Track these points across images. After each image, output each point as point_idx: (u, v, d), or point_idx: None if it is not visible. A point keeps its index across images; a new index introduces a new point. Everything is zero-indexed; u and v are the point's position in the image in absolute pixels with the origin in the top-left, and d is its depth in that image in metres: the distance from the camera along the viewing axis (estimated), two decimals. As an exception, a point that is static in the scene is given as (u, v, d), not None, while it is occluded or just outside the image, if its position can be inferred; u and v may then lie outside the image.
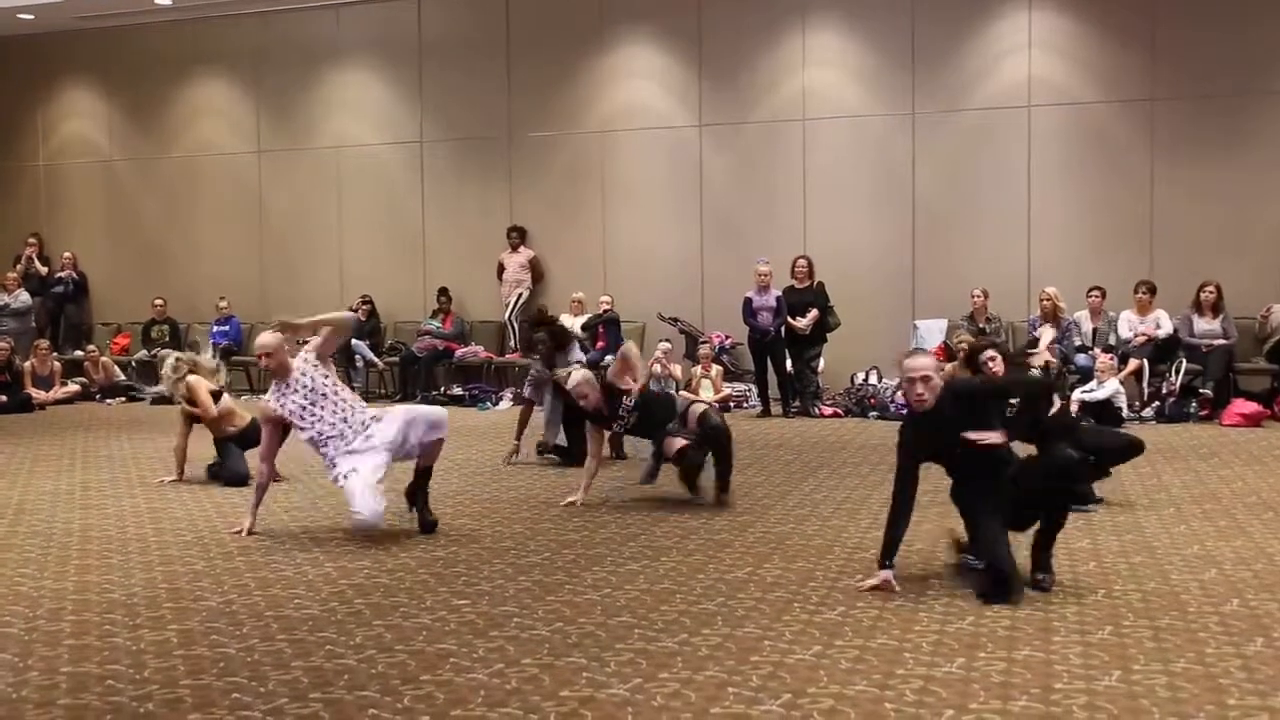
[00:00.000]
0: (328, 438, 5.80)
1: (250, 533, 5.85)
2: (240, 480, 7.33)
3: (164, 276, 15.29)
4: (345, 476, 5.67)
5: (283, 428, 6.08)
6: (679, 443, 6.57)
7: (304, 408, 5.81)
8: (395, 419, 5.85)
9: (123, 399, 13.63)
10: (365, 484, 5.57)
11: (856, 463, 8.21)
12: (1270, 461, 7.97)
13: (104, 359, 14.21)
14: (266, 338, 5.93)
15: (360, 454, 5.71)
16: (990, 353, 6.25)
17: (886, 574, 4.65)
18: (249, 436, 7.42)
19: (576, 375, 6.91)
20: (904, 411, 10.58)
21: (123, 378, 14.18)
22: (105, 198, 15.88)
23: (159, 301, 14.87)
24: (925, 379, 4.62)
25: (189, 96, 15.41)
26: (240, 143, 15.22)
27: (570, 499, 6.66)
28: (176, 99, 15.45)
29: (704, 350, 12.03)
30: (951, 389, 4.73)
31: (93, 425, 11.26)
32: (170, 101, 15.46)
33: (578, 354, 8.61)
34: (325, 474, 6.00)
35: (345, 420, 5.81)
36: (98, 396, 13.68)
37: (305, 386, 5.84)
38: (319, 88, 14.81)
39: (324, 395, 5.84)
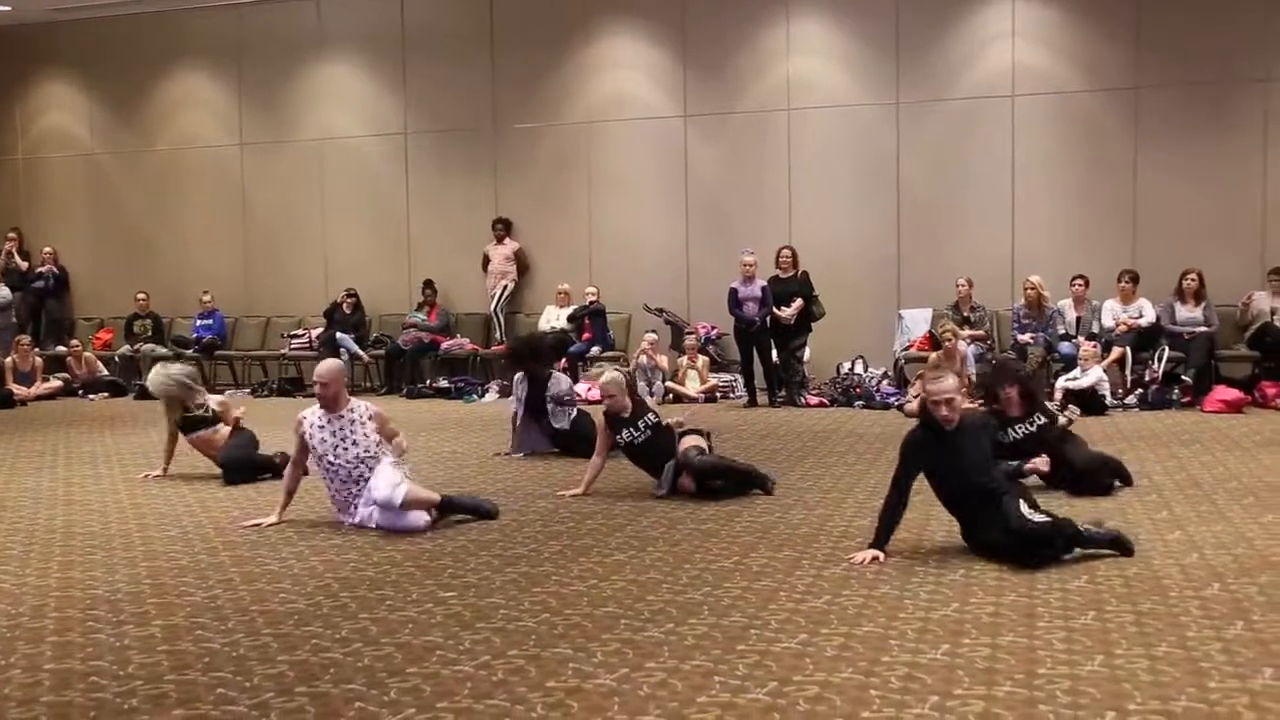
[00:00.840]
0: (331, 479, 5.97)
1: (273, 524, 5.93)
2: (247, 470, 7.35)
3: (147, 270, 15.21)
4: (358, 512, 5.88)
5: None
6: (688, 441, 6.60)
7: (333, 448, 5.91)
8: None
9: (105, 394, 13.55)
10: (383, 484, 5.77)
11: (842, 451, 8.22)
12: (1251, 447, 8.02)
13: (86, 354, 14.13)
14: (331, 365, 6.10)
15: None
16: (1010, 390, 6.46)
17: (877, 552, 4.95)
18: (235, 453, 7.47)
19: (608, 375, 6.97)
20: (893, 403, 10.75)
21: (105, 373, 14.10)
22: (86, 191, 15.78)
23: (141, 296, 14.79)
24: (949, 401, 4.98)
25: (170, 89, 15.32)
26: (223, 135, 15.14)
27: (569, 491, 6.67)
28: (158, 91, 15.35)
29: (690, 341, 12.05)
30: (975, 422, 5.20)
31: (75, 421, 11.20)
32: (151, 94, 15.36)
33: (561, 386, 8.45)
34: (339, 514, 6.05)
35: (351, 476, 5.93)
36: (80, 392, 13.60)
37: (342, 430, 5.93)
38: (301, 80, 14.74)
39: (353, 446, 5.93)
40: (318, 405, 6.01)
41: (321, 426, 5.97)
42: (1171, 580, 4.55)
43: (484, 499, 6.24)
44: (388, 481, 5.72)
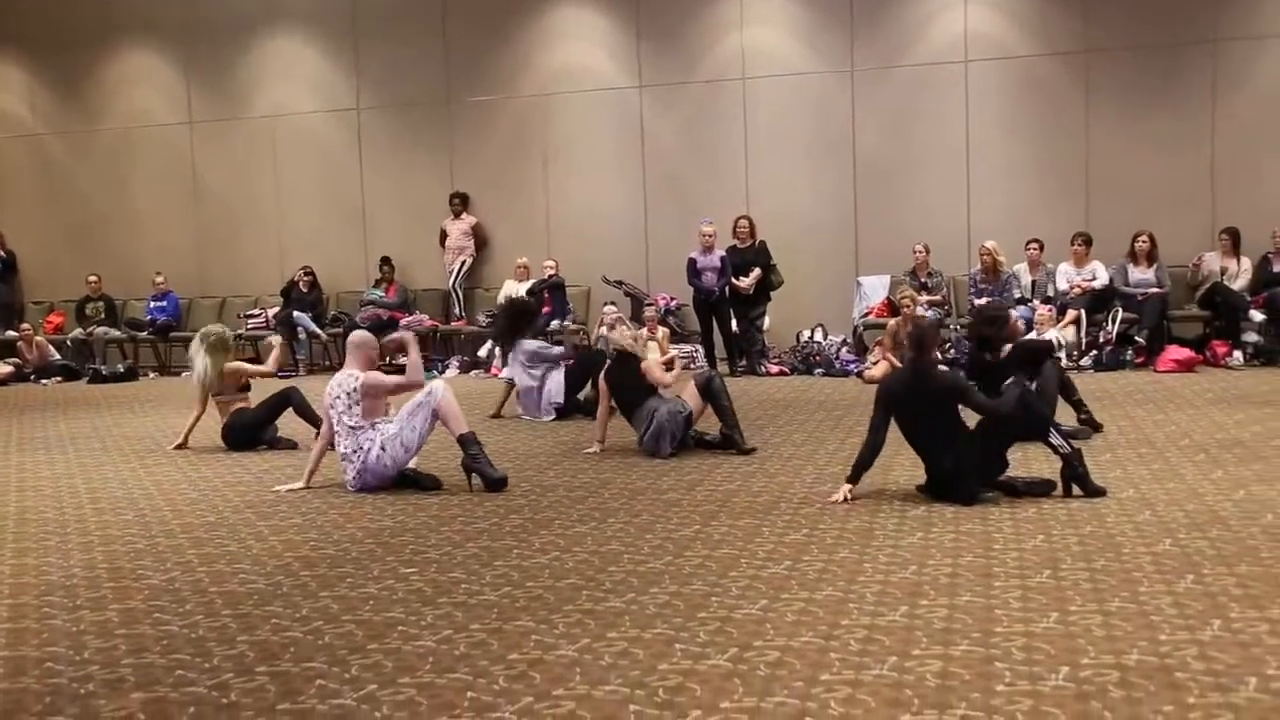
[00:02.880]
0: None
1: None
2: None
3: (97, 252, 14.96)
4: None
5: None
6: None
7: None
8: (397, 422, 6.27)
9: (58, 379, 13.36)
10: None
11: (802, 420, 8.27)
12: (1202, 405, 8.16)
13: (38, 338, 13.90)
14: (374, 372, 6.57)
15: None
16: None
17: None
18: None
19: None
20: (853, 370, 10.81)
21: (57, 357, 13.89)
22: (32, 173, 15.47)
23: (93, 278, 14.56)
24: None
25: (116, 66, 15.02)
26: (171, 113, 14.88)
27: (592, 449, 7.17)
28: (102, 69, 15.05)
29: (649, 312, 12.00)
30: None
31: (28, 406, 11.03)
32: (96, 72, 15.06)
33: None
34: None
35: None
36: (32, 377, 13.39)
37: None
38: (251, 55, 14.50)
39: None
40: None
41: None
42: (1125, 537, 4.63)
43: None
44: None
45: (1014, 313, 10.92)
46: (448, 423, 6.14)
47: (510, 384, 9.08)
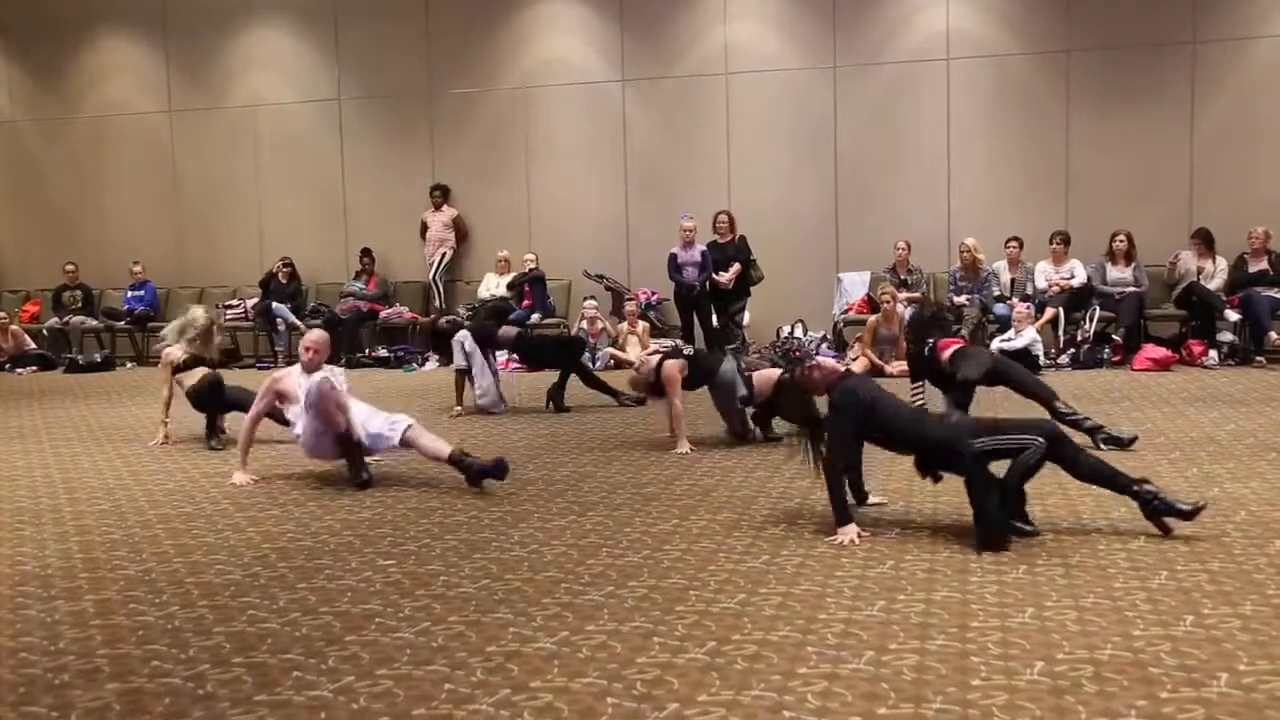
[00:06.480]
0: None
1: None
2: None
3: (75, 241, 14.84)
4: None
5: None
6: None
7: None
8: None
9: (34, 368, 13.25)
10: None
11: (782, 415, 8.28)
12: (1178, 404, 8.22)
13: (14, 327, 13.79)
14: (323, 335, 6.51)
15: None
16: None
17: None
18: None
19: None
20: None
21: (33, 346, 13.79)
22: (8, 161, 15.33)
23: (70, 267, 14.45)
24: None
25: (94, 54, 14.89)
26: (150, 102, 14.76)
27: (682, 449, 6.85)
28: (81, 57, 14.91)
29: (630, 307, 12.04)
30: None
31: (3, 395, 10.94)
32: (74, 60, 14.93)
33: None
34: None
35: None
36: (8, 366, 13.29)
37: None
38: (231, 44, 14.40)
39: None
40: (298, 367, 6.35)
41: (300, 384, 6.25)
42: (1100, 534, 4.67)
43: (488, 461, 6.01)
44: (384, 419, 6.09)
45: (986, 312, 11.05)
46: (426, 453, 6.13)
47: (461, 374, 8.81)
